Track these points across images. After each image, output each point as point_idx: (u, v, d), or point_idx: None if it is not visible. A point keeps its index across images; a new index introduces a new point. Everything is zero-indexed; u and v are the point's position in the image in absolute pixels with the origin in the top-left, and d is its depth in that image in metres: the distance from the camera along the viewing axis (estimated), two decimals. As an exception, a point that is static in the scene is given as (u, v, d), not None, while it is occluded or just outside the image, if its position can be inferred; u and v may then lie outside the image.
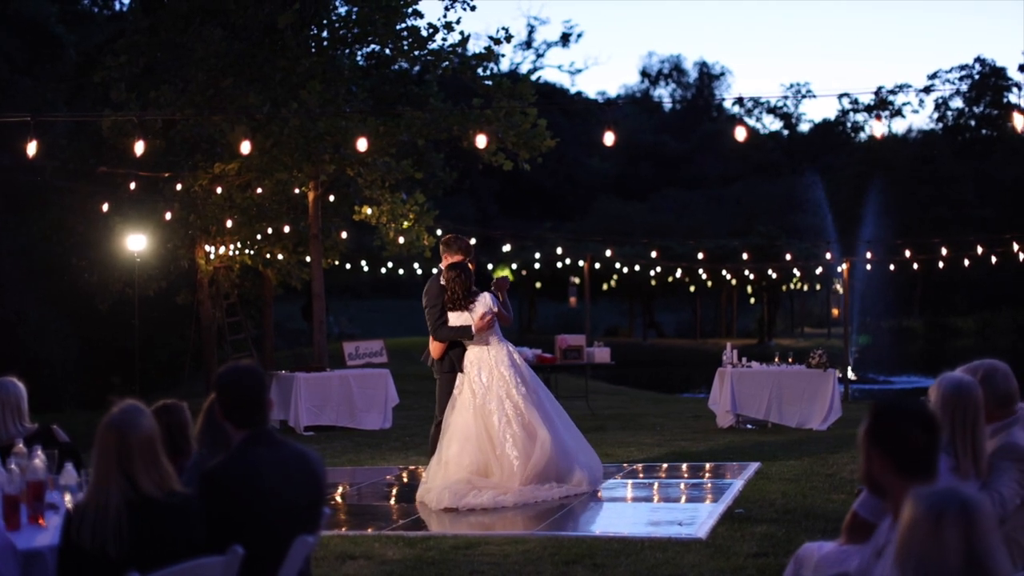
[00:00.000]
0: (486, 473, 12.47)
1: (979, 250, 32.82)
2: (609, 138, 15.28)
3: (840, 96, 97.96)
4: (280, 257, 28.92)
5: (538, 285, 65.28)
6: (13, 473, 6.44)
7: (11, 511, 6.32)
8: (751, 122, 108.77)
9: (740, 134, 14.59)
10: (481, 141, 17.63)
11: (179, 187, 24.29)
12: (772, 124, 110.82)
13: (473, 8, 21.96)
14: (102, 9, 49.26)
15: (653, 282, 63.21)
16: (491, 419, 12.51)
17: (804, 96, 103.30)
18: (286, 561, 5.66)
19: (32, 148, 14.97)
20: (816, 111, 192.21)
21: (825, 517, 10.80)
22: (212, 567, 5.32)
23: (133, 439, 5.42)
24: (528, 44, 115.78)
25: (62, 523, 5.47)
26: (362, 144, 17.11)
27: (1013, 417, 6.72)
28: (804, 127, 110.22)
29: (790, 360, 20.11)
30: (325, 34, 23.08)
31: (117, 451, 5.40)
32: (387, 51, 23.23)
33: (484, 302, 12.79)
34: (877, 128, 16.10)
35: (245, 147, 17.30)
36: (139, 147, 16.03)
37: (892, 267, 46.55)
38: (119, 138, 23.09)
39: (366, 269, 52.20)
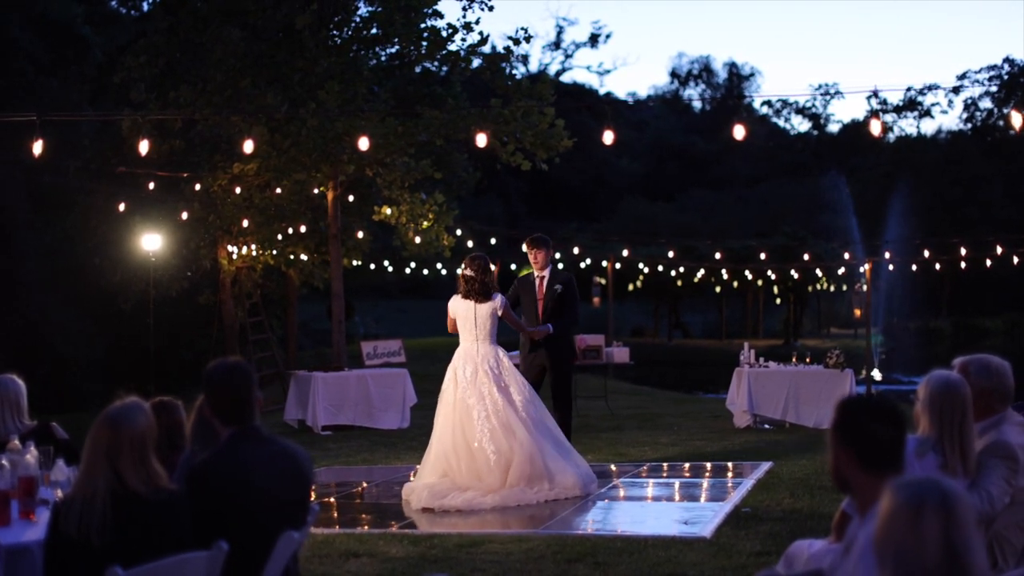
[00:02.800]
0: (448, 470, 12.52)
1: (999, 250, 32.64)
2: (608, 137, 15.19)
3: (869, 97, 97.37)
4: (304, 258, 28.96)
5: (563, 285, 65.02)
6: (4, 469, 6.48)
7: (2, 507, 6.35)
8: (780, 122, 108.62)
9: (739, 132, 14.50)
10: (481, 140, 17.57)
11: (198, 187, 24.38)
12: (801, 125, 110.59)
13: (491, 8, 21.95)
14: (130, 10, 49.49)
15: (679, 283, 63.06)
16: (470, 413, 12.54)
17: (832, 96, 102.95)
18: (272, 557, 5.68)
19: (38, 147, 15.00)
20: (845, 112, 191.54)
21: (831, 517, 10.71)
22: (196, 562, 5.36)
23: (125, 435, 5.49)
24: (557, 45, 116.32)
25: (51, 512, 5.52)
26: (363, 143, 17.13)
27: (1001, 415, 6.68)
28: (833, 128, 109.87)
29: (807, 360, 20.04)
30: (345, 34, 23.08)
31: (108, 445, 5.48)
32: (411, 50, 23.19)
33: (494, 303, 12.86)
34: (875, 126, 15.75)
35: (248, 146, 17.31)
36: (144, 146, 16.11)
37: (915, 267, 46.33)
38: (138, 138, 23.19)
39: (390, 269, 52.17)
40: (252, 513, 5.76)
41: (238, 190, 23.69)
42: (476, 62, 22.40)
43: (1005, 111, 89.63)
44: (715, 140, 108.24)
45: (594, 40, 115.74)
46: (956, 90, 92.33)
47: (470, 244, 38.11)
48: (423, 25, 22.14)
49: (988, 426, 6.62)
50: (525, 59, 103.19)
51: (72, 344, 37.77)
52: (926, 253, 35.53)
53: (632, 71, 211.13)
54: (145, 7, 48.18)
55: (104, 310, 35.30)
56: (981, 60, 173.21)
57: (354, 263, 29.63)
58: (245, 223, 24.87)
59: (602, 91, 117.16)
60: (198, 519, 5.63)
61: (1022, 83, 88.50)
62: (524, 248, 14.38)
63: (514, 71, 23.10)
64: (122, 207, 26.40)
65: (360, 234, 29.09)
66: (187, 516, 5.59)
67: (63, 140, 31.54)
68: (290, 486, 5.96)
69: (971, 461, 6.29)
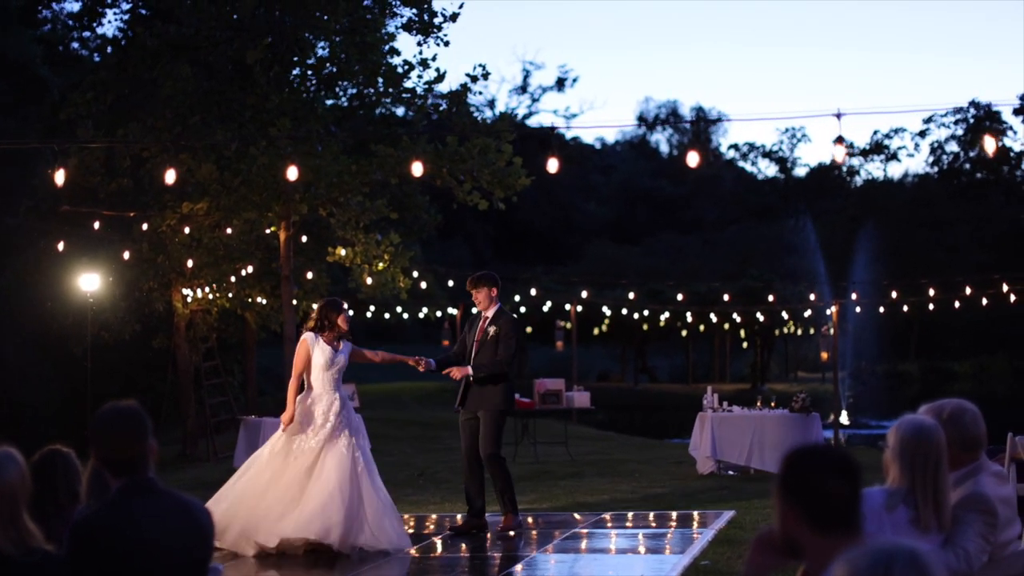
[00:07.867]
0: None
1: (967, 291, 32.26)
2: (553, 165, 14.34)
3: (835, 140, 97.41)
4: (261, 301, 28.32)
5: (528, 329, 64.53)
6: None
7: None
8: (747, 167, 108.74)
9: (692, 159, 13.96)
10: (417, 169, 16.84)
11: (145, 227, 23.72)
12: (768, 169, 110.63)
13: (447, 44, 21.52)
14: (92, 52, 49.00)
15: (645, 326, 62.67)
16: None
17: (799, 140, 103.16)
18: (164, 626, 5.06)
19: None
20: (812, 155, 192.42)
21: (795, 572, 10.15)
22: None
23: None
24: (523, 89, 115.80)
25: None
26: (292, 173, 16.40)
27: (976, 464, 6.09)
28: (800, 171, 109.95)
29: (772, 404, 19.54)
30: (296, 71, 22.58)
31: (-27, 502, 4.84)
32: (368, 91, 22.71)
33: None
34: (838, 153, 15.26)
35: (170, 176, 16.48)
36: (60, 176, 15.64)
37: (882, 310, 46.05)
38: (86, 177, 22.67)
39: (350, 313, 51.64)
40: (143, 574, 5.12)
41: (187, 230, 23.05)
42: (431, 99, 21.93)
43: (971, 154, 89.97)
44: (683, 183, 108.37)
45: (561, 84, 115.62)
46: (922, 134, 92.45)
47: (424, 285, 37.61)
48: (380, 62, 21.65)
49: (963, 476, 6.02)
50: (492, 103, 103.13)
51: (30, 389, 37.08)
52: (894, 294, 35.13)
53: (599, 115, 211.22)
54: (109, 48, 47.71)
55: (60, 354, 34.65)
56: (947, 103, 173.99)
57: (313, 306, 29.03)
58: (190, 263, 24.21)
59: (569, 135, 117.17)
60: (82, 581, 4.99)
61: (987, 126, 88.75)
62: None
63: (474, 110, 22.49)
64: (61, 246, 25.68)
65: (309, 275, 28.42)
66: (64, 579, 4.94)
67: (17, 180, 30.97)
68: (188, 544, 5.30)
69: (946, 514, 5.69)
